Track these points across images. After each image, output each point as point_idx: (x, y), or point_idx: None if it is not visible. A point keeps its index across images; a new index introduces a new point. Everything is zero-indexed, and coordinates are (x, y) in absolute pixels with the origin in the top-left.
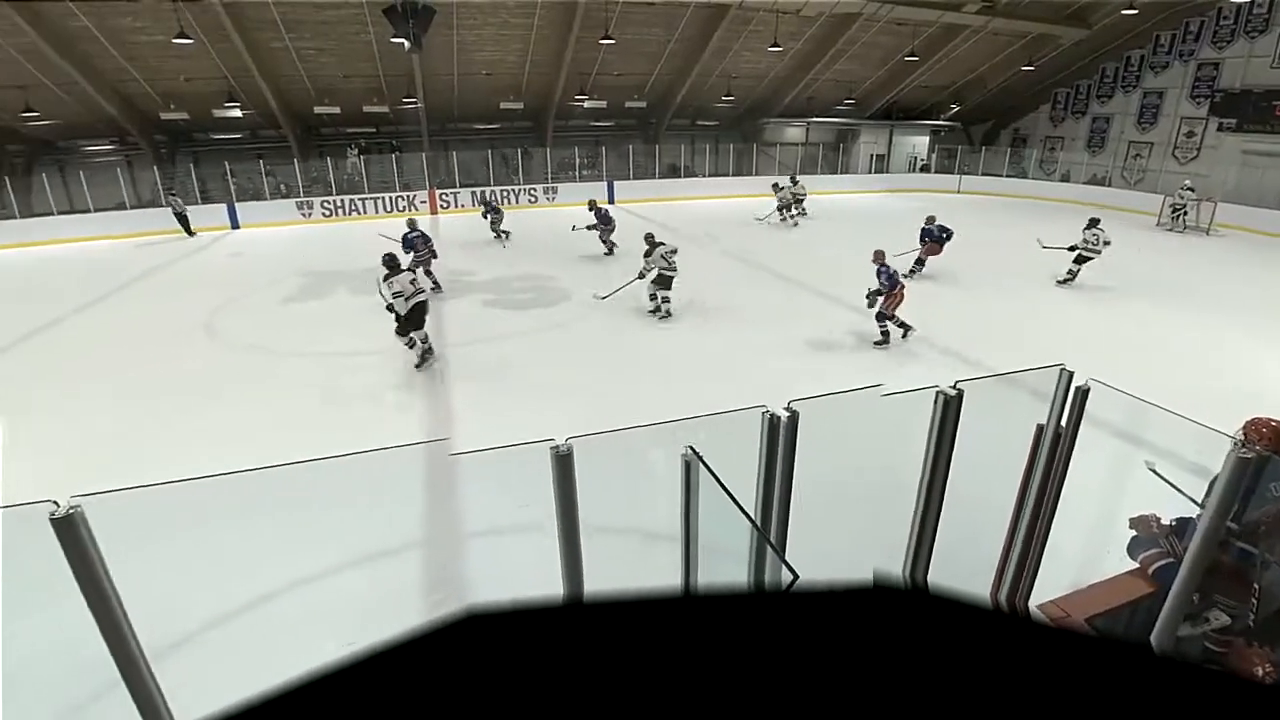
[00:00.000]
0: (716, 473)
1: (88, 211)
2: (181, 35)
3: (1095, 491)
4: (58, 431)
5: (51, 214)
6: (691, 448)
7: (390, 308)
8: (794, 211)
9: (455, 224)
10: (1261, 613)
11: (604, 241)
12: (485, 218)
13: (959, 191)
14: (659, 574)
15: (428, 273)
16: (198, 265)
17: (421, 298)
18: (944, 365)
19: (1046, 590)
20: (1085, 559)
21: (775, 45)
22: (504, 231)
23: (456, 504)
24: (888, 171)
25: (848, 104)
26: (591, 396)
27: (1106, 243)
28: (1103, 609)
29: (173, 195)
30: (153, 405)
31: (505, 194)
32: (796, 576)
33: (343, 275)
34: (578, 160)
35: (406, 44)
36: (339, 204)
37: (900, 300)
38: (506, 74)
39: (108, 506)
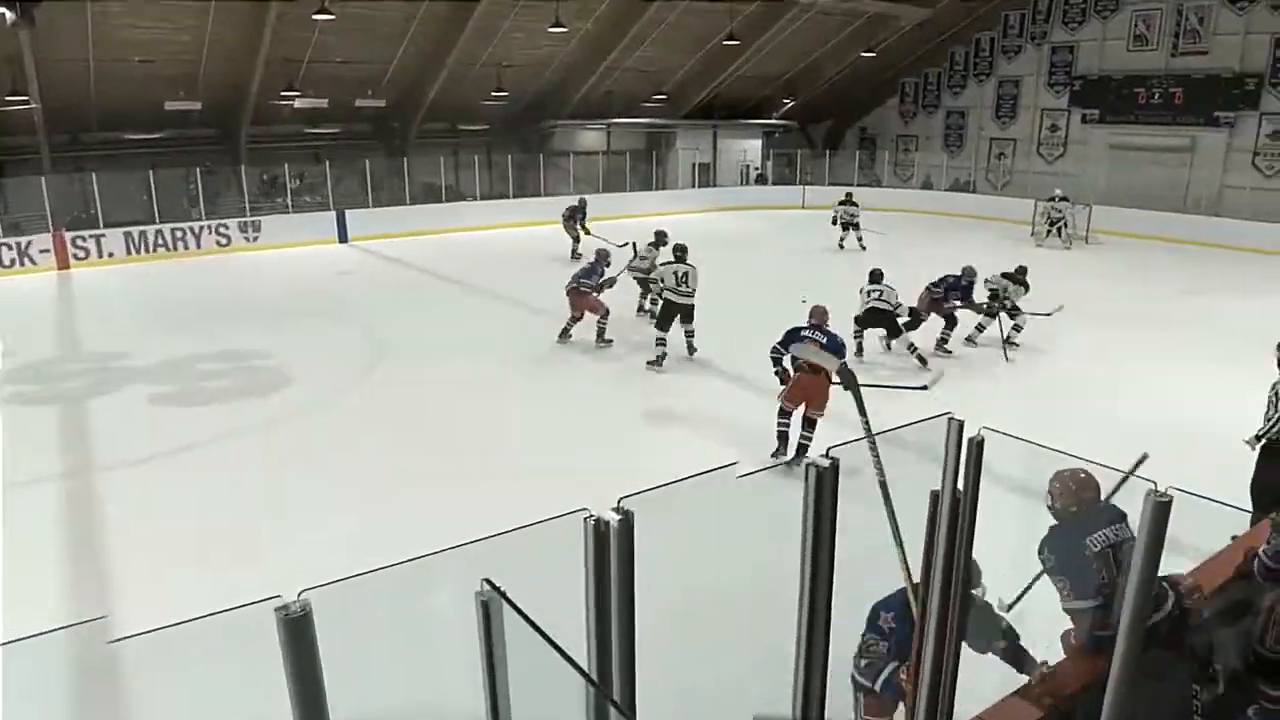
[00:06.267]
0: (526, 612)
1: None
2: None
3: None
4: None
5: None
6: (488, 581)
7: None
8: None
9: (105, 284)
10: None
11: None
12: None
13: (804, 207)
14: None
15: None
16: None
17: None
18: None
19: (969, 703)
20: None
21: (558, 25)
22: None
23: None
24: (715, 185)
25: (658, 100)
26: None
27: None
28: None
29: None
30: None
31: (179, 233)
32: None
33: None
34: (289, 181)
35: (8, 14)
36: None
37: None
38: (173, 60)
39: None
